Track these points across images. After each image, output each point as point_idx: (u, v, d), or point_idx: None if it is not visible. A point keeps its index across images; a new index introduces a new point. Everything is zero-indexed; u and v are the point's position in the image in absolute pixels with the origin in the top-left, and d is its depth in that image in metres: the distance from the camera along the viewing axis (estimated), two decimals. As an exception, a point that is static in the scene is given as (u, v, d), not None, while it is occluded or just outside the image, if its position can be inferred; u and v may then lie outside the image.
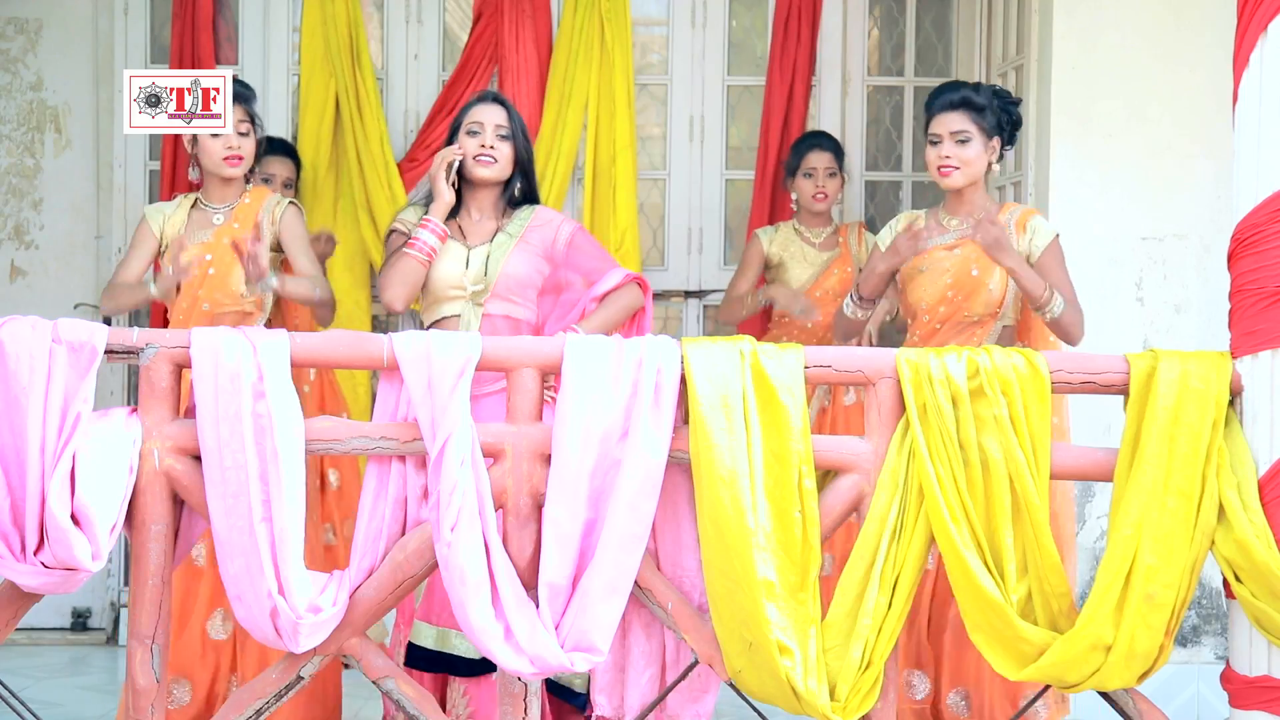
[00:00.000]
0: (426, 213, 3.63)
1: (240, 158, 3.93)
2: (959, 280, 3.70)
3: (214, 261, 3.87)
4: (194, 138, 3.92)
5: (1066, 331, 3.64)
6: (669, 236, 5.57)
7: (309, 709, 3.88)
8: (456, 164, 3.64)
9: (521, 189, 3.72)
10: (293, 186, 4.98)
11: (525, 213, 3.72)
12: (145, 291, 3.84)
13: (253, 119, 3.97)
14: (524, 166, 3.72)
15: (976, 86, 3.78)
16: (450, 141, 3.71)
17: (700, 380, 2.64)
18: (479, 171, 3.65)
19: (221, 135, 3.87)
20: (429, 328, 3.62)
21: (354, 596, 2.68)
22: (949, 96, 3.74)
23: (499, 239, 3.65)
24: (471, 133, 3.66)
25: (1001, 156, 3.83)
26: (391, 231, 3.72)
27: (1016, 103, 3.82)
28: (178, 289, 3.82)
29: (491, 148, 3.65)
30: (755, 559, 2.57)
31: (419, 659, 3.52)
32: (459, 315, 3.61)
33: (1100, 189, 4.56)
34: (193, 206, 3.98)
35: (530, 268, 3.64)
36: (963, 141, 3.70)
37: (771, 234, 4.97)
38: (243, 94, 3.93)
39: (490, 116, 3.67)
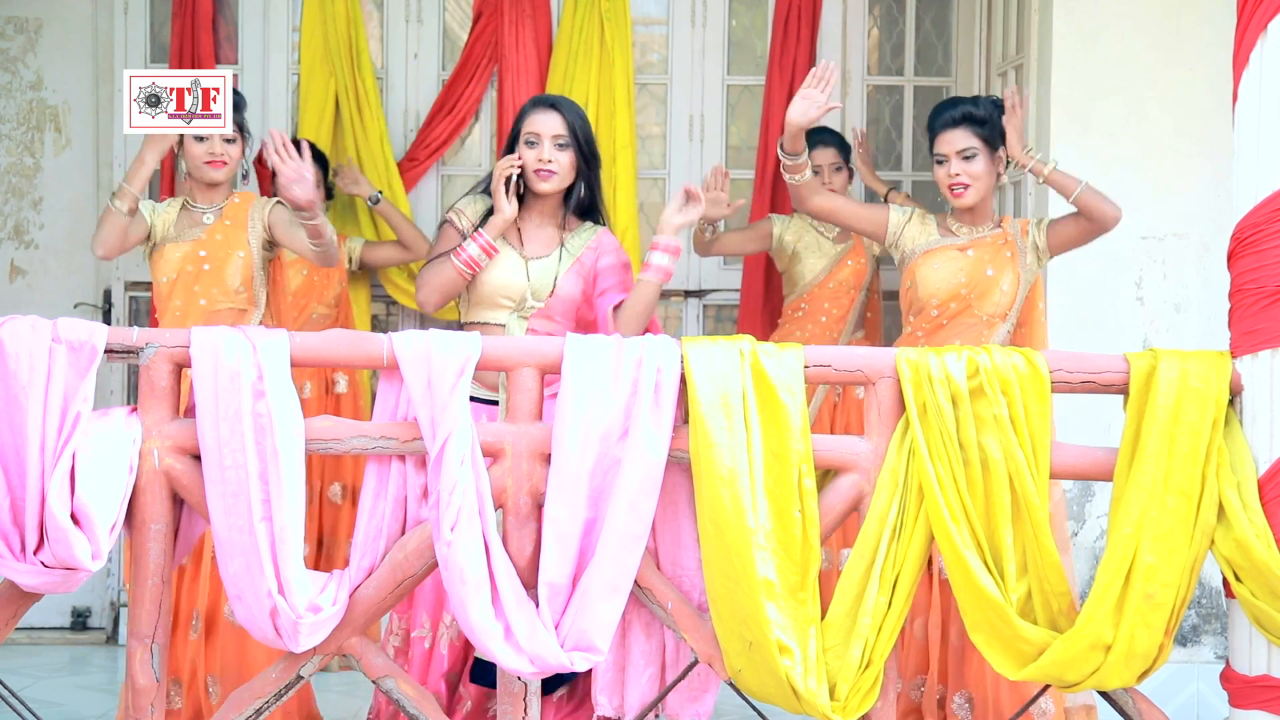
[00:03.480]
0: (484, 222, 3.52)
1: (223, 162, 3.90)
2: (974, 279, 3.70)
3: (209, 257, 3.87)
4: (180, 141, 3.91)
5: (1099, 207, 3.66)
6: (669, 236, 5.56)
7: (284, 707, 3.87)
8: (516, 176, 3.51)
9: (584, 198, 3.58)
10: (322, 187, 4.96)
11: (588, 232, 3.60)
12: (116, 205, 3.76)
13: (240, 127, 3.95)
14: (587, 171, 3.57)
15: (976, 100, 3.77)
16: (510, 148, 3.57)
17: (700, 379, 2.64)
18: (540, 186, 3.51)
19: (205, 141, 3.86)
20: (466, 328, 3.55)
21: (354, 596, 2.68)
22: (950, 114, 3.73)
23: (561, 255, 3.54)
24: (529, 143, 3.52)
25: (1009, 164, 3.83)
26: (445, 221, 3.61)
27: None
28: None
29: (549, 161, 3.49)
30: (755, 558, 2.57)
31: (483, 674, 3.38)
32: (504, 325, 3.50)
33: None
34: (182, 208, 3.98)
35: (579, 289, 3.55)
36: (969, 158, 3.70)
37: (785, 222, 4.97)
38: (234, 102, 3.91)
39: (548, 126, 3.51)
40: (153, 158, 3.73)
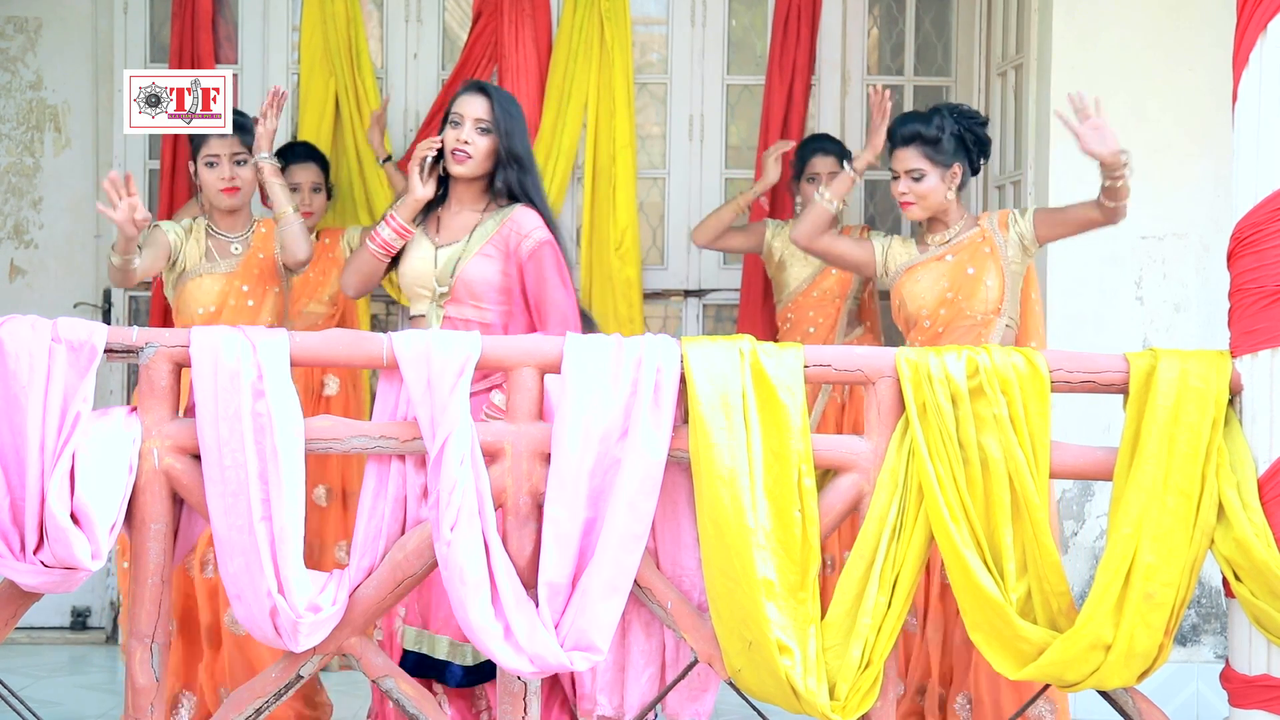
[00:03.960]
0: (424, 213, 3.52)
1: (236, 188, 3.87)
2: (955, 281, 3.72)
3: (251, 292, 3.83)
4: (195, 171, 3.90)
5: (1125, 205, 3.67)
6: (669, 235, 5.56)
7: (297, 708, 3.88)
8: (432, 156, 3.47)
9: (510, 184, 3.46)
10: (322, 190, 4.94)
11: (502, 213, 3.46)
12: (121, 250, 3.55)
13: (250, 149, 3.93)
14: (511, 159, 3.45)
15: (929, 116, 3.77)
16: (442, 131, 3.51)
17: (700, 379, 2.64)
18: (453, 167, 3.45)
19: (216, 166, 3.83)
20: (411, 322, 3.54)
21: (353, 596, 2.68)
22: (901, 131, 3.76)
23: (471, 239, 3.45)
24: (453, 124, 3.46)
25: (976, 170, 3.85)
26: (385, 215, 3.59)
27: (983, 123, 3.82)
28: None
29: (466, 143, 3.42)
30: (755, 558, 2.58)
31: (406, 664, 3.34)
32: (424, 315, 3.47)
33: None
34: (207, 235, 3.92)
35: (492, 271, 3.41)
36: (917, 179, 3.73)
37: (776, 229, 4.98)
38: (240, 123, 3.85)
39: (471, 109, 3.44)
40: (124, 243, 3.54)
